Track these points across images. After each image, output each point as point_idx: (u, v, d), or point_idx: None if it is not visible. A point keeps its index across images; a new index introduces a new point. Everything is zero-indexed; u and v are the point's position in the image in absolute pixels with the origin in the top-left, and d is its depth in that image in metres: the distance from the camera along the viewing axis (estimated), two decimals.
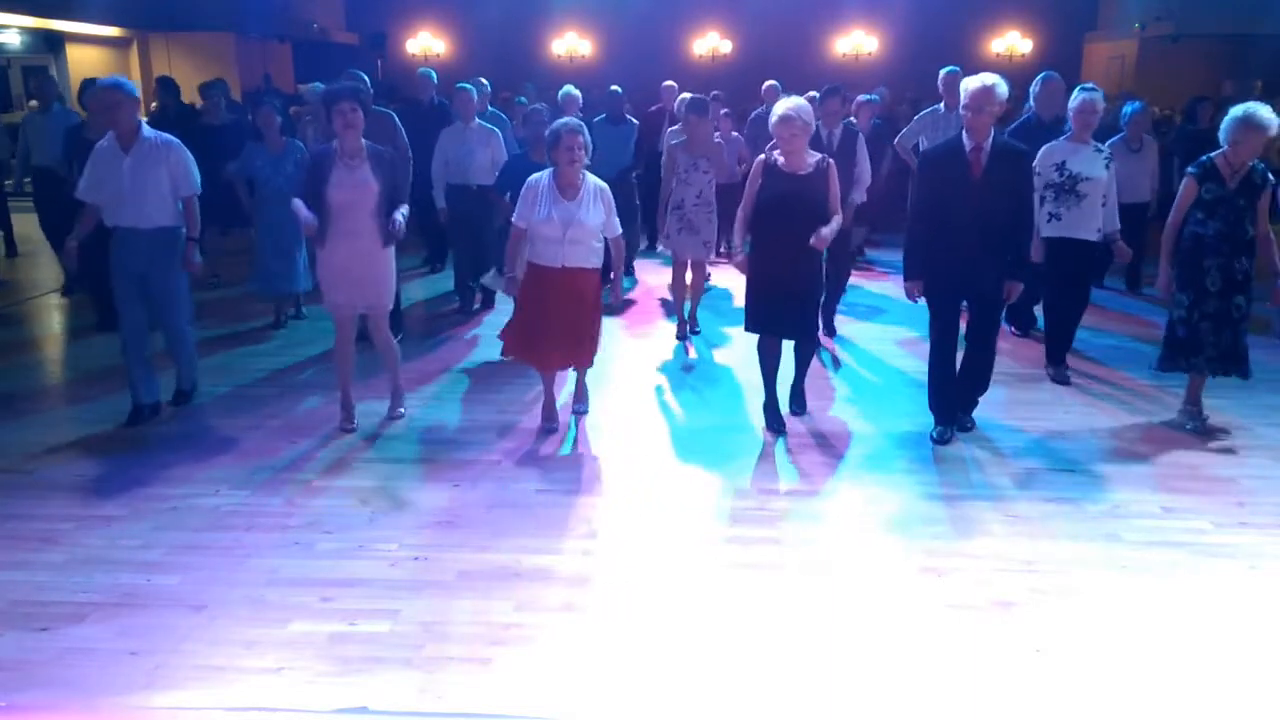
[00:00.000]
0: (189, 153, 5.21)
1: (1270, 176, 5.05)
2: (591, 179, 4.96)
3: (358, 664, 3.13)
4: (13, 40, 15.46)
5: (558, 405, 5.33)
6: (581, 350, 5.13)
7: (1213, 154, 5.02)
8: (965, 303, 5.01)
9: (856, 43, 20.31)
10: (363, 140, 4.89)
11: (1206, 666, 3.15)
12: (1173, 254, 5.06)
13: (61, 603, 3.49)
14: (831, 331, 7.06)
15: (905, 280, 5.03)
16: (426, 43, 20.95)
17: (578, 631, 3.34)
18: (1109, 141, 7.81)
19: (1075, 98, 5.90)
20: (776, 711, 2.93)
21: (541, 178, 4.92)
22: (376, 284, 5.01)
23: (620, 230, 5.09)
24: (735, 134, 9.01)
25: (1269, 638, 3.31)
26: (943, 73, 7.84)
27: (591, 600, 3.53)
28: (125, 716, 2.91)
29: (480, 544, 3.93)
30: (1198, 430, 5.16)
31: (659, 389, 5.91)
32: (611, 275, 5.30)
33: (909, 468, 4.72)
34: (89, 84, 7.25)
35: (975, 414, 5.23)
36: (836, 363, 6.54)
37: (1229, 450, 4.91)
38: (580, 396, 5.49)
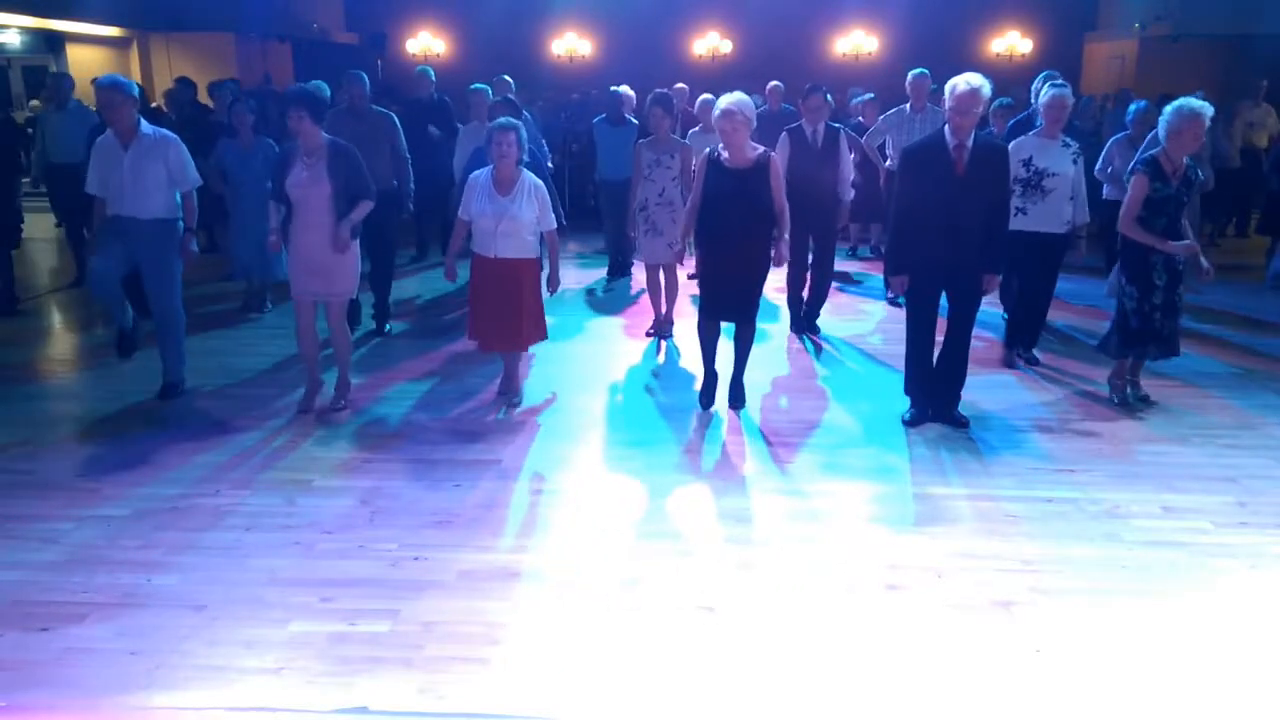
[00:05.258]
0: (186, 149, 5.47)
1: (1201, 174, 5.25)
2: (529, 176, 5.23)
3: (358, 664, 3.13)
4: (13, 40, 15.46)
5: (522, 381, 5.74)
6: (515, 334, 5.38)
7: (1154, 151, 5.17)
8: (945, 296, 5.08)
9: (856, 43, 20.31)
10: (324, 138, 5.14)
11: (1206, 666, 3.15)
12: (1152, 238, 5.11)
13: (61, 603, 3.49)
14: (815, 330, 7.05)
15: (890, 275, 5.14)
16: (426, 43, 20.95)
17: (577, 631, 3.34)
18: (1113, 139, 7.81)
19: (1045, 93, 5.94)
20: (776, 711, 2.93)
21: (482, 173, 5.26)
22: (334, 274, 5.25)
23: (555, 225, 5.36)
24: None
25: (1269, 638, 3.31)
26: (911, 75, 7.77)
27: (591, 600, 3.53)
28: (125, 716, 2.91)
29: (480, 544, 3.93)
30: (1125, 402, 5.48)
31: (651, 389, 5.91)
32: (550, 266, 5.44)
33: (906, 466, 4.71)
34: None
35: (973, 414, 5.23)
36: (818, 348, 6.74)
37: (1229, 450, 4.91)
38: (509, 387, 5.62)
